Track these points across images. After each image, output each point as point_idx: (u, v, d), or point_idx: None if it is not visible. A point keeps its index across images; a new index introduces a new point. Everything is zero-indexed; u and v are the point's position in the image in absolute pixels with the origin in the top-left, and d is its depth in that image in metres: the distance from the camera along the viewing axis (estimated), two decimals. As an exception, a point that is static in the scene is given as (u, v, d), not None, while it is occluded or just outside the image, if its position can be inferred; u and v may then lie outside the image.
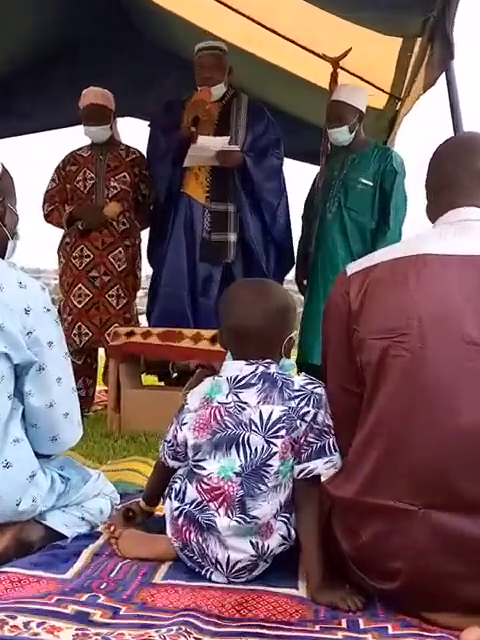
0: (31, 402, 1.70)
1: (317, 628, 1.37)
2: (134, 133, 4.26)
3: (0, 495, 1.63)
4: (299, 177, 4.36)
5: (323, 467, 1.57)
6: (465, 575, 1.33)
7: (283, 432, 1.55)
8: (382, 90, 3.92)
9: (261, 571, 1.60)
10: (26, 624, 1.32)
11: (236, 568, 1.57)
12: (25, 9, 3.65)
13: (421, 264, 1.45)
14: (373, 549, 1.42)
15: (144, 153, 3.70)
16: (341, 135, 3.48)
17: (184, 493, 1.63)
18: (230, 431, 1.58)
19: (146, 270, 3.90)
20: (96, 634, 1.31)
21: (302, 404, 1.57)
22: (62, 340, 1.76)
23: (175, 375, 3.80)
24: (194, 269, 3.50)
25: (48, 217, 3.72)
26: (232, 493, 1.56)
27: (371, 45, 3.33)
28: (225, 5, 3.70)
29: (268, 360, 1.63)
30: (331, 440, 1.57)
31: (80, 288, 3.56)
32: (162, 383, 3.92)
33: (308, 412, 1.56)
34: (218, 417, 1.60)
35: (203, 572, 1.59)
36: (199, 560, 1.60)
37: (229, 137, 3.46)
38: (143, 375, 3.71)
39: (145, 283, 3.99)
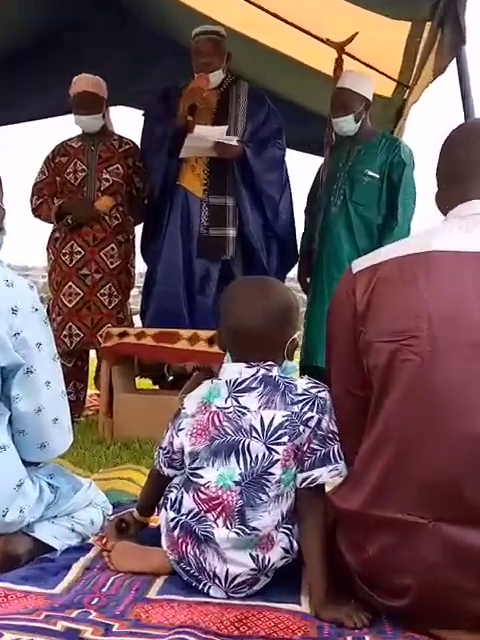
0: (18, 407, 1.70)
1: (321, 646, 1.37)
2: (128, 122, 4.27)
3: (-15, 505, 1.63)
4: (302, 169, 4.36)
5: (327, 475, 1.56)
6: (476, 591, 1.33)
7: (285, 439, 1.55)
8: (390, 77, 3.93)
9: (262, 586, 1.60)
10: (13, 642, 1.32)
11: (235, 582, 1.57)
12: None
13: (431, 261, 1.44)
14: (380, 564, 1.42)
15: (138, 144, 3.70)
16: (346, 124, 3.48)
17: (180, 503, 1.63)
18: (229, 437, 1.58)
19: (140, 267, 3.90)
20: (87, 652, 1.31)
21: (305, 409, 1.57)
22: (51, 341, 1.76)
23: (171, 378, 3.80)
24: (191, 266, 3.50)
25: (36, 211, 3.72)
26: (231, 503, 1.56)
27: (378, 29, 3.33)
28: (223, -13, 3.71)
29: (270, 362, 1.63)
30: (336, 447, 1.57)
31: (70, 286, 3.57)
32: (157, 387, 3.92)
33: (312, 417, 1.56)
34: (217, 423, 1.60)
35: (200, 587, 1.59)
36: (196, 574, 1.59)
37: (228, 126, 3.46)
38: (137, 378, 3.72)
39: (139, 281, 3.99)
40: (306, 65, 3.98)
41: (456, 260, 1.43)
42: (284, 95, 4.05)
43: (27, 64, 4.11)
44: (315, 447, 1.56)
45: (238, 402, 1.60)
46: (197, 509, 1.60)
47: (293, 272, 3.85)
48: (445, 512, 1.34)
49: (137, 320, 3.89)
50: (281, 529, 1.59)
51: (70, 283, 3.57)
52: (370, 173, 3.45)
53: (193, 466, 1.62)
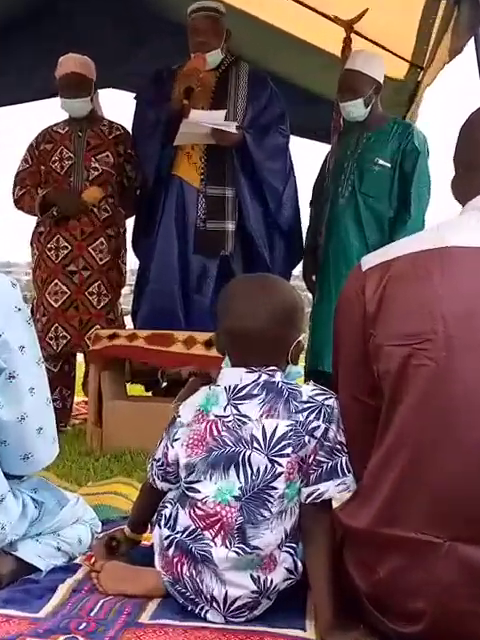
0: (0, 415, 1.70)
1: (328, 675, 1.37)
2: (118, 107, 4.27)
3: (-36, 522, 1.63)
4: (307, 157, 4.36)
5: (335, 490, 1.56)
6: (494, 615, 1.33)
7: (289, 450, 1.55)
8: (402, 58, 3.94)
9: (263, 609, 1.60)
10: (-6, 670, 1.32)
11: (235, 606, 1.56)
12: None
13: (447, 257, 1.44)
14: (391, 586, 1.42)
15: (130, 129, 3.70)
16: (355, 109, 3.48)
17: (175, 520, 1.63)
18: (228, 449, 1.58)
19: (132, 264, 3.90)
20: (74, 682, 1.31)
21: (311, 418, 1.57)
22: (35, 344, 1.76)
23: (165, 384, 3.80)
24: (187, 262, 3.50)
25: (18, 202, 3.72)
26: (230, 520, 1.56)
27: (389, 6, 3.34)
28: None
29: (272, 367, 1.63)
30: (344, 459, 1.57)
31: (56, 284, 3.57)
32: (150, 393, 3.92)
33: (318, 427, 1.56)
34: (215, 433, 1.60)
35: (197, 610, 1.59)
36: (192, 597, 1.59)
37: (226, 111, 3.46)
38: (128, 384, 3.72)
39: (130, 279, 3.99)
40: (312, 45, 3.99)
41: (475, 256, 1.43)
42: (288, 77, 4.06)
43: (10, 43, 4.11)
44: (321, 459, 1.56)
45: (238, 410, 1.60)
46: (193, 526, 1.59)
47: (298, 270, 3.86)
48: (461, 531, 1.34)
49: (128, 321, 3.89)
50: (284, 548, 1.59)
51: (56, 281, 3.57)
52: (381, 162, 3.46)
53: (189, 480, 1.62)
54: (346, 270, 3.07)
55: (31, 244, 3.74)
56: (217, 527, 1.57)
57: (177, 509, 1.64)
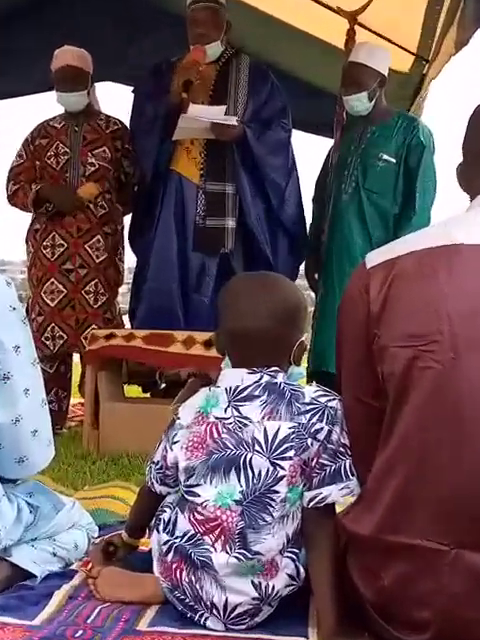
0: (-6, 417, 1.70)
1: (331, 684, 1.37)
2: (116, 100, 4.27)
3: (-43, 527, 1.63)
4: (310, 152, 4.36)
5: (338, 494, 1.56)
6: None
7: (291, 453, 1.55)
8: (407, 50, 3.93)
9: (265, 616, 1.59)
10: (-12, 679, 1.32)
11: (235, 613, 1.56)
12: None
13: (454, 255, 1.44)
14: (396, 594, 1.41)
15: (127, 124, 3.70)
16: (359, 103, 3.48)
17: (174, 524, 1.63)
18: (229, 451, 1.58)
19: (129, 262, 3.90)
20: None
21: (314, 420, 1.57)
22: (31, 344, 1.76)
23: (163, 385, 3.81)
24: (186, 260, 3.50)
25: (12, 198, 3.71)
26: (231, 525, 1.56)
27: (394, -3, 3.34)
28: None
29: (274, 368, 1.63)
30: (347, 462, 1.57)
31: (52, 283, 3.57)
32: (148, 395, 3.93)
33: (321, 429, 1.56)
34: (215, 435, 1.60)
35: (196, 618, 1.59)
36: (192, 603, 1.59)
37: (227, 105, 3.46)
38: (125, 385, 3.71)
39: (128, 277, 3.99)
40: (314, 36, 3.98)
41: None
42: (290, 70, 4.05)
43: (5, 36, 4.11)
44: (325, 462, 1.56)
45: (239, 412, 1.60)
46: (193, 531, 1.59)
47: (300, 268, 3.85)
48: (468, 537, 1.34)
49: (126, 321, 3.89)
50: (286, 553, 1.59)
51: (52, 279, 3.57)
52: (385, 157, 3.46)
53: (189, 483, 1.62)
54: (350, 268, 3.08)
55: (26, 242, 3.74)
56: (217, 532, 1.57)
57: (176, 513, 1.64)
